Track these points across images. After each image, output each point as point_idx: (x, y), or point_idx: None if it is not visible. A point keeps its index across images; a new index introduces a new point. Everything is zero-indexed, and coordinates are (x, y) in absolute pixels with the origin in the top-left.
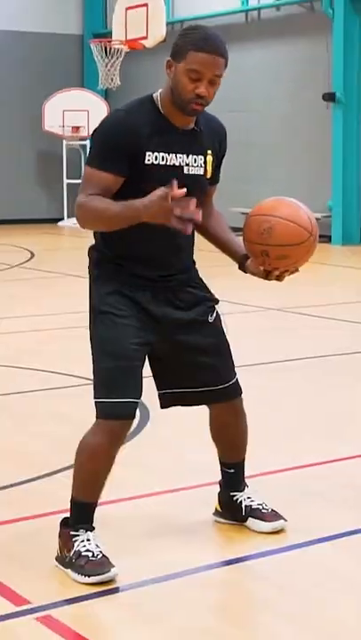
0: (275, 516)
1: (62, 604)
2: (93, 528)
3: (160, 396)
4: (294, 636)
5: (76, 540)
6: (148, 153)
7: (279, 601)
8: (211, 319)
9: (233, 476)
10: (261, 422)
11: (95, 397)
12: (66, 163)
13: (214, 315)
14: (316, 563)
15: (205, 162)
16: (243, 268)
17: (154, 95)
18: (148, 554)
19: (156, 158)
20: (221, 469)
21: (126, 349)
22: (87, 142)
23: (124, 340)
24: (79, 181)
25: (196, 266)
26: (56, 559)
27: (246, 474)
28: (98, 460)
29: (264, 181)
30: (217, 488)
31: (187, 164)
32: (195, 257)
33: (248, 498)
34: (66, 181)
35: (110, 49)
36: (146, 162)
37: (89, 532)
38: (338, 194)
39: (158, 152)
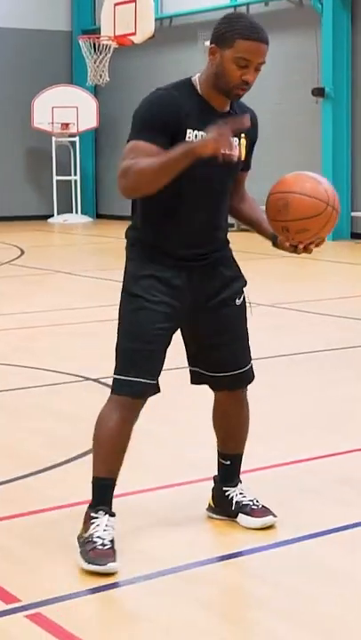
0: (264, 512)
1: (52, 602)
2: (114, 514)
3: (190, 372)
4: (289, 633)
5: (93, 523)
6: (188, 130)
7: (272, 597)
8: (238, 302)
9: (228, 469)
10: (258, 417)
11: (114, 373)
12: (55, 159)
13: (242, 298)
14: (309, 558)
15: (240, 144)
16: (276, 245)
17: (192, 78)
18: (138, 550)
19: (196, 137)
20: (218, 460)
21: (148, 334)
22: (76, 139)
23: (148, 324)
24: (69, 178)
25: None
26: (77, 537)
27: (243, 468)
28: (115, 436)
29: (253, 177)
30: (209, 484)
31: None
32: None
33: (240, 494)
34: (55, 178)
35: (99, 45)
36: (187, 139)
37: (108, 517)
38: None
39: (198, 130)
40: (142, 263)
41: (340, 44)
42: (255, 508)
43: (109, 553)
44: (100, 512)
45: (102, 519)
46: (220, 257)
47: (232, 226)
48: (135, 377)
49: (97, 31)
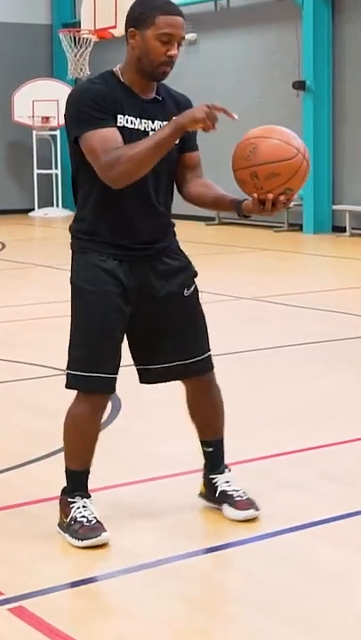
0: (249, 504)
1: (34, 595)
2: (89, 495)
3: (138, 371)
4: (269, 627)
5: (72, 507)
6: (119, 115)
7: (253, 591)
8: (187, 293)
9: (212, 456)
10: (236, 411)
11: (70, 369)
12: (36, 153)
13: (192, 288)
14: (289, 552)
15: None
16: (240, 213)
17: (113, 69)
18: (118, 544)
19: (127, 121)
20: (202, 449)
21: (103, 326)
22: (57, 132)
23: (101, 316)
24: (50, 171)
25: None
26: (58, 525)
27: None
28: (82, 430)
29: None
30: (187, 478)
31: (152, 130)
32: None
33: (226, 482)
34: (36, 172)
35: (79, 38)
36: (118, 124)
37: (85, 499)
38: (309, 182)
39: (128, 116)
40: (83, 254)
41: (320, 37)
42: (239, 499)
43: (98, 526)
44: (77, 497)
45: (80, 502)
46: (163, 248)
47: (213, 219)
48: (100, 372)
49: (77, 25)
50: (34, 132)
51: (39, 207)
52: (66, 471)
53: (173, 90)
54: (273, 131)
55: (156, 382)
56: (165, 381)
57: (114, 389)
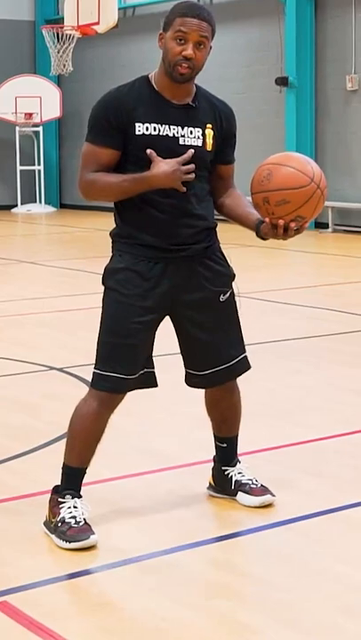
0: (263, 490)
1: (18, 590)
2: (81, 496)
3: (185, 374)
4: (252, 621)
5: (62, 507)
6: (137, 124)
7: (236, 586)
8: (223, 298)
9: (225, 451)
10: None
11: (94, 367)
12: (19, 149)
13: (227, 294)
14: (271, 547)
15: (204, 134)
16: (259, 234)
17: (149, 74)
18: (102, 540)
19: (147, 129)
20: (215, 443)
21: (125, 328)
22: (40, 129)
23: (123, 318)
24: (33, 168)
25: None
26: (44, 524)
27: (202, 459)
28: (88, 427)
29: None
30: (170, 474)
31: (182, 136)
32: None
33: (239, 473)
34: (19, 168)
35: (62, 35)
36: (136, 132)
37: (76, 499)
38: None
39: (149, 123)
40: (119, 257)
41: (303, 33)
42: (254, 486)
43: (86, 528)
44: (68, 496)
45: (70, 502)
46: (201, 250)
47: None
48: (112, 372)
49: (60, 21)
50: (17, 129)
51: (22, 203)
52: (63, 466)
53: (217, 98)
54: (289, 158)
55: (204, 387)
56: (211, 387)
57: (125, 390)
